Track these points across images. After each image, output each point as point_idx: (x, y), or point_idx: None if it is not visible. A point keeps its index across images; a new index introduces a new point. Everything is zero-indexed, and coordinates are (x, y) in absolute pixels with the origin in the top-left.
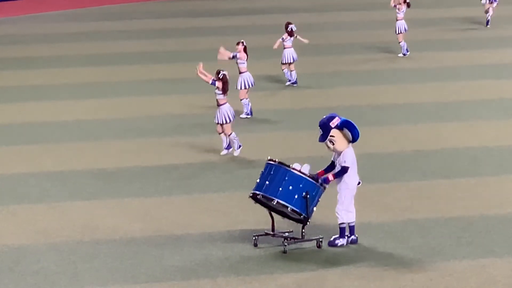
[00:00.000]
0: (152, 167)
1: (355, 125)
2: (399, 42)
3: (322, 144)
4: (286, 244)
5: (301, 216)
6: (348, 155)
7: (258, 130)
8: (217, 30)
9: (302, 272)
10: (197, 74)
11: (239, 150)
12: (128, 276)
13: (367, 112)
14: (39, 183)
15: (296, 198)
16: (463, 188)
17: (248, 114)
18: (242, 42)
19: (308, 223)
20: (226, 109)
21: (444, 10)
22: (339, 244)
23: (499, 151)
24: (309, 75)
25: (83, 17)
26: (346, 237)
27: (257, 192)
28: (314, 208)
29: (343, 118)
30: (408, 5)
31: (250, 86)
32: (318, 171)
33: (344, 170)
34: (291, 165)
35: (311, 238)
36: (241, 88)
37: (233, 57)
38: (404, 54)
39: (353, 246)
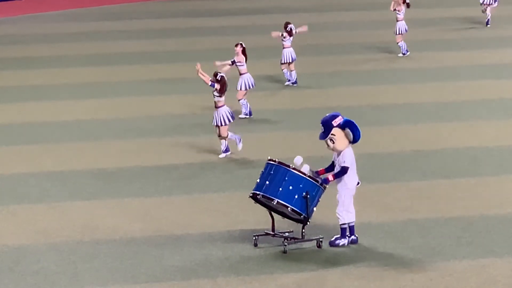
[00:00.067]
0: (152, 167)
1: (357, 126)
2: (397, 43)
3: (322, 144)
4: (286, 244)
5: (301, 216)
6: (347, 155)
7: (258, 130)
8: (217, 30)
9: (302, 272)
10: (197, 73)
11: (240, 143)
12: (128, 276)
13: (367, 112)
14: (39, 183)
15: (296, 198)
16: (463, 188)
17: (247, 114)
18: (241, 44)
19: (308, 223)
20: (224, 111)
21: (444, 10)
22: (340, 244)
23: (499, 151)
24: (309, 75)
25: (83, 17)
26: (347, 237)
27: (257, 192)
28: (314, 208)
29: (346, 118)
30: (408, 6)
31: (251, 87)
32: (319, 169)
33: (344, 170)
34: (291, 165)
35: (311, 238)
36: (241, 89)
37: (233, 63)
38: (404, 54)
39: (353, 246)
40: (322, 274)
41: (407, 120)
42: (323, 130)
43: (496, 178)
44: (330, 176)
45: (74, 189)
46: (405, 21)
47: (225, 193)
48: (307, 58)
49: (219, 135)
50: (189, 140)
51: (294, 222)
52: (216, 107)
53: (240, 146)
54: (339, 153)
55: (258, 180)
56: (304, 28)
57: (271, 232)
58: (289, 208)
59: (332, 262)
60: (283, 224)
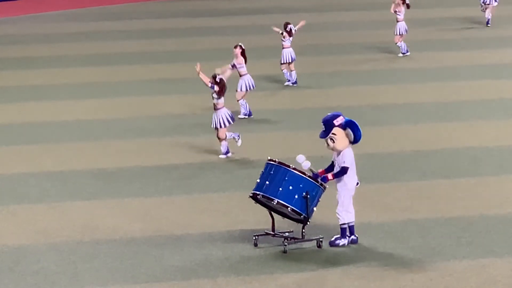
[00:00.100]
0: (152, 167)
1: (359, 126)
2: (396, 43)
3: (322, 144)
4: (286, 244)
5: (301, 216)
6: (347, 156)
7: (258, 130)
8: (217, 30)
9: (302, 272)
10: (197, 71)
11: (240, 140)
12: (128, 276)
13: (367, 112)
14: (39, 183)
15: (296, 198)
16: (463, 188)
17: (246, 115)
18: (240, 46)
19: (308, 223)
20: (223, 114)
21: (444, 10)
22: (340, 244)
23: (499, 151)
24: (309, 75)
25: (83, 17)
26: (347, 237)
27: (257, 192)
28: (314, 208)
29: (348, 118)
30: (408, 7)
31: (251, 88)
32: (319, 170)
33: (344, 170)
34: (291, 166)
35: (311, 238)
36: (241, 90)
37: (233, 66)
38: (403, 53)
39: (353, 246)
40: (322, 274)
41: (407, 120)
42: (324, 129)
43: (496, 178)
44: (329, 175)
45: (74, 189)
46: (405, 21)
47: (225, 193)
48: (307, 58)
49: (218, 137)
50: (189, 140)
51: (294, 222)
52: (215, 109)
53: (239, 142)
54: (338, 153)
55: (258, 180)
56: (302, 23)
57: (271, 232)
58: (289, 208)
59: (332, 262)
60: (283, 224)
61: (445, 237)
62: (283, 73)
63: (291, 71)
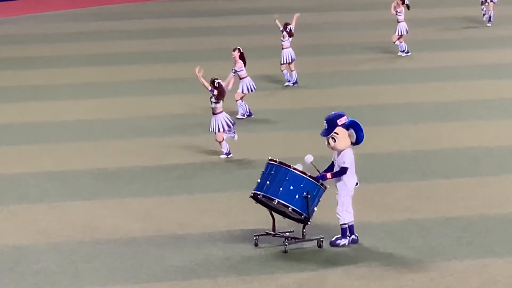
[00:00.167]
0: (152, 167)
1: (362, 128)
2: (394, 42)
3: (322, 144)
4: (286, 244)
5: (302, 216)
6: (347, 156)
7: (258, 130)
8: (217, 30)
9: (303, 272)
10: (197, 75)
11: (236, 135)
12: (128, 276)
13: (367, 112)
14: (39, 183)
15: (297, 198)
16: (463, 188)
17: (243, 115)
18: (239, 49)
19: (309, 223)
20: (222, 118)
21: (444, 10)
22: (340, 244)
23: (499, 151)
24: (309, 75)
25: (83, 17)
26: (347, 237)
27: (258, 192)
28: (315, 208)
29: (351, 119)
30: (408, 7)
31: (252, 90)
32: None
33: (343, 171)
34: (292, 166)
35: (311, 238)
36: (242, 92)
37: (235, 72)
38: (403, 51)
39: (353, 246)
40: (323, 274)
41: (407, 120)
42: (326, 127)
43: (496, 178)
44: (328, 174)
45: (74, 189)
46: (406, 21)
47: (225, 193)
48: (307, 58)
49: (216, 140)
50: (189, 140)
51: (295, 222)
52: (214, 113)
53: (236, 137)
54: (339, 152)
55: (258, 180)
56: (296, 16)
57: (272, 232)
58: (289, 208)
59: (333, 262)
60: (283, 224)
61: (445, 237)
62: (283, 73)
63: (292, 71)
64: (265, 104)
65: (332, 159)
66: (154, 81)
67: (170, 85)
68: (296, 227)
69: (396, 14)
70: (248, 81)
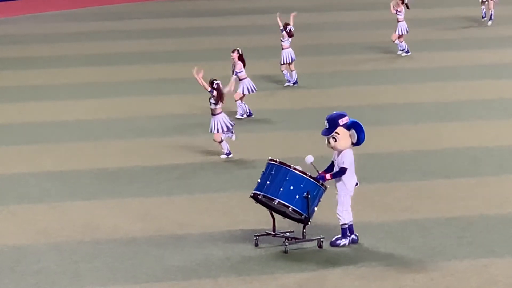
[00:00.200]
0: (153, 167)
1: (363, 129)
2: (393, 41)
3: (323, 144)
4: (287, 244)
5: (302, 216)
6: (347, 157)
7: (258, 130)
8: (217, 30)
9: (303, 272)
10: (195, 77)
11: (234, 135)
12: (129, 276)
13: (367, 112)
14: (39, 183)
15: (297, 198)
16: (464, 188)
17: (242, 115)
18: (238, 50)
19: (309, 223)
20: (221, 119)
21: (444, 10)
22: (341, 244)
23: (499, 151)
24: (309, 75)
25: (83, 17)
26: (347, 238)
27: (258, 192)
28: (315, 208)
29: (353, 119)
30: (407, 6)
31: (252, 91)
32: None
33: (342, 171)
34: (292, 166)
35: (312, 238)
36: (242, 93)
37: (236, 74)
38: (403, 50)
39: (353, 246)
40: (323, 274)
41: (407, 120)
42: (327, 126)
43: (496, 178)
44: (327, 175)
45: (74, 189)
46: (406, 21)
47: (225, 193)
48: (307, 58)
49: (214, 140)
50: (189, 140)
51: (295, 222)
52: (213, 114)
53: (234, 137)
54: (339, 152)
55: (259, 180)
56: (292, 15)
57: (272, 232)
58: (290, 208)
59: (333, 262)
60: (284, 224)
61: (445, 237)
62: (283, 74)
63: (292, 71)
64: (265, 104)
65: (333, 159)
66: (154, 81)
67: (170, 85)
68: (296, 227)
69: (396, 13)
70: (248, 82)
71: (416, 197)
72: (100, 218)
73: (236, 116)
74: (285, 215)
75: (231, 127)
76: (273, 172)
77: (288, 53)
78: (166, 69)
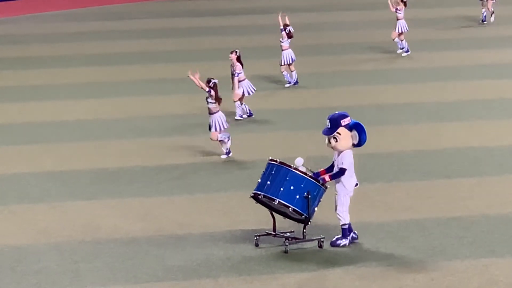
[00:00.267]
0: (153, 167)
1: (365, 130)
2: (393, 39)
3: (323, 144)
4: (287, 244)
5: (303, 216)
6: (346, 157)
7: (258, 130)
8: (217, 30)
9: (303, 272)
10: (191, 78)
11: (229, 141)
12: (129, 276)
13: (368, 112)
14: (39, 183)
15: (297, 198)
16: (464, 188)
17: (241, 116)
18: (236, 52)
19: (309, 223)
20: (218, 118)
21: (444, 9)
22: (341, 244)
23: (500, 151)
24: (309, 75)
25: (83, 17)
26: (348, 238)
27: (259, 192)
28: (316, 208)
29: (355, 120)
30: (405, 4)
31: (252, 93)
32: (320, 170)
33: (341, 172)
34: (292, 166)
35: (312, 238)
36: (242, 94)
37: (237, 75)
38: (402, 49)
39: (354, 246)
40: (323, 274)
41: (407, 120)
42: (329, 126)
43: (497, 178)
44: (327, 177)
45: (74, 189)
46: (406, 21)
47: (226, 193)
48: (307, 58)
49: (211, 139)
50: (189, 140)
51: (295, 222)
52: (210, 113)
53: (229, 143)
54: (339, 153)
55: (259, 180)
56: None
57: (272, 232)
58: (290, 208)
59: (333, 262)
60: (284, 224)
61: (446, 237)
62: (284, 75)
63: (292, 71)
64: (265, 104)
65: (333, 159)
66: (154, 81)
67: (170, 85)
68: (297, 227)
69: (396, 11)
70: (247, 84)
71: (417, 197)
72: (101, 218)
73: (235, 118)
74: (285, 215)
75: (226, 127)
76: (273, 172)
77: (288, 54)
78: (166, 69)
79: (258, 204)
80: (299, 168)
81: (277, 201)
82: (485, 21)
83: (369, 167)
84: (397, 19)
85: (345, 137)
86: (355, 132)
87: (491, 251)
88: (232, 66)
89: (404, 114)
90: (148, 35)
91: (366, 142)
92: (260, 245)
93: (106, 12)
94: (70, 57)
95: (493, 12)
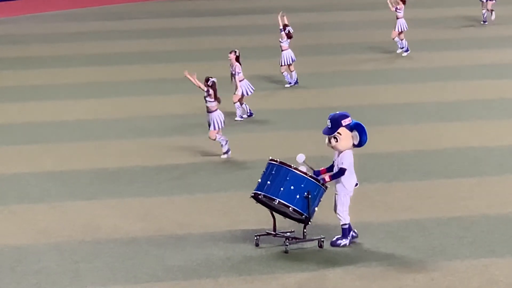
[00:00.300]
0: (153, 167)
1: (366, 130)
2: (393, 39)
3: (323, 144)
4: (287, 244)
5: (303, 216)
6: (346, 158)
7: (258, 130)
8: (217, 30)
9: (304, 272)
10: (189, 78)
11: (225, 147)
12: (129, 276)
13: (368, 112)
14: (39, 183)
15: (297, 198)
16: (464, 188)
17: (242, 117)
18: (235, 52)
19: (309, 223)
20: (216, 116)
21: (444, 9)
22: (341, 244)
23: (500, 151)
24: (309, 75)
25: (83, 17)
26: (348, 238)
27: (259, 192)
28: (316, 208)
29: (356, 121)
30: (404, 2)
31: (250, 93)
32: (320, 169)
33: (341, 172)
34: (293, 166)
35: (312, 238)
36: (241, 95)
37: (238, 74)
38: (402, 48)
39: (354, 246)
40: (324, 274)
41: (407, 120)
42: (330, 126)
43: (497, 178)
44: (327, 177)
45: (74, 189)
46: (406, 21)
47: (226, 193)
48: (307, 58)
49: (209, 137)
50: (189, 140)
51: (296, 222)
52: (208, 111)
53: (224, 156)
54: (339, 153)
55: (259, 180)
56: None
57: (273, 232)
58: (290, 208)
59: (334, 262)
60: (284, 224)
61: (446, 237)
62: (284, 75)
63: (291, 71)
64: (265, 104)
65: (334, 159)
66: (154, 81)
67: (170, 85)
68: (297, 227)
69: (396, 10)
70: (246, 84)
71: (417, 197)
72: (101, 218)
73: (236, 118)
74: (285, 215)
75: (223, 126)
76: (273, 172)
77: (287, 54)
78: (166, 69)
79: (258, 204)
80: (300, 165)
81: (277, 201)
82: (486, 21)
83: (369, 167)
84: (397, 18)
85: (345, 137)
86: (355, 133)
87: (491, 251)
88: (231, 66)
89: (404, 114)
90: (148, 35)
91: (366, 143)
92: (260, 245)
93: (106, 12)
94: (70, 57)
95: (492, 10)
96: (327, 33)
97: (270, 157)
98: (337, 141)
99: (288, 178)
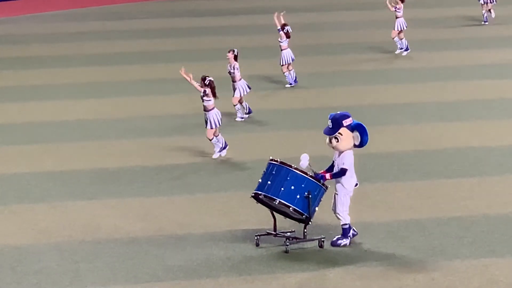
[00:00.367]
0: (153, 167)
1: (367, 131)
2: (393, 38)
3: (323, 144)
4: (288, 244)
5: (303, 216)
6: (347, 158)
7: (258, 130)
8: (217, 30)
9: (304, 272)
10: (185, 77)
11: (218, 153)
12: (130, 275)
13: (368, 112)
14: (40, 183)
15: (298, 198)
16: (465, 187)
17: (242, 118)
18: (233, 51)
19: (310, 223)
20: (213, 115)
21: (444, 9)
22: (342, 244)
23: (500, 151)
24: (309, 75)
25: (83, 17)
26: (348, 237)
27: (259, 192)
28: (316, 208)
29: (357, 121)
30: (403, 1)
31: (247, 92)
32: (320, 171)
33: (342, 172)
34: (293, 165)
35: (313, 238)
36: (240, 95)
37: (237, 70)
38: (402, 48)
39: (354, 246)
40: (324, 274)
41: (408, 120)
42: (330, 126)
43: (497, 178)
44: (327, 175)
45: (75, 189)
46: (406, 21)
47: (226, 193)
48: (307, 58)
49: (207, 137)
50: (190, 140)
51: (296, 222)
52: (206, 110)
53: (216, 155)
54: (339, 153)
55: (260, 180)
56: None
57: (273, 232)
58: (291, 208)
59: (334, 262)
60: (284, 224)
61: (446, 237)
62: (285, 75)
63: (290, 70)
64: (265, 104)
65: (333, 159)
66: (154, 81)
67: (170, 85)
68: (297, 227)
69: (395, 10)
70: (242, 84)
71: (417, 197)
72: (101, 218)
73: (236, 119)
74: (286, 215)
75: (220, 124)
76: (274, 172)
77: (287, 53)
78: (166, 69)
79: (259, 204)
80: (304, 164)
81: (277, 201)
82: (486, 21)
83: (369, 167)
84: (396, 17)
85: (346, 138)
86: (356, 133)
87: (491, 251)
88: (229, 64)
89: (404, 114)
90: (148, 35)
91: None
92: (260, 245)
93: (106, 12)
94: (70, 57)
95: (491, 9)
96: (327, 33)
97: (271, 157)
98: (338, 141)
99: (288, 178)
